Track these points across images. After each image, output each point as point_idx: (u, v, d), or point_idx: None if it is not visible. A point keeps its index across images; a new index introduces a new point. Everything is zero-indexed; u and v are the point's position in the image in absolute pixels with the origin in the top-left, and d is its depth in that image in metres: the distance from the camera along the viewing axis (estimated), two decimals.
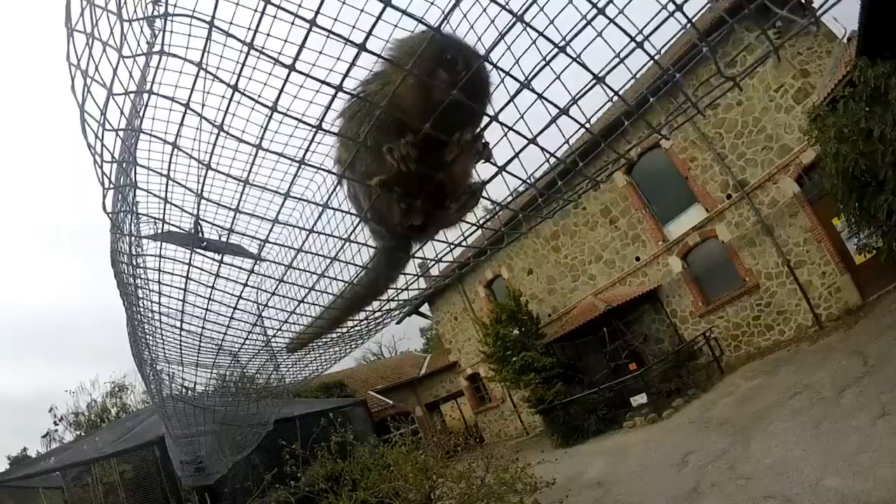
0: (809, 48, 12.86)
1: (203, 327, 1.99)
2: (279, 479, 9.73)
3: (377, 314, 2.11)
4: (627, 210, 17.31)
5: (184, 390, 3.28)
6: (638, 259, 17.37)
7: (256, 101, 1.17)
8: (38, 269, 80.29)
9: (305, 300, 1.75)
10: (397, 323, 24.71)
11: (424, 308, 26.04)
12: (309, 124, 1.19)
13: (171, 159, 1.28)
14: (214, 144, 1.16)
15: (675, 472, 9.32)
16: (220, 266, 1.57)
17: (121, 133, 1.18)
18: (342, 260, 1.63)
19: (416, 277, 1.91)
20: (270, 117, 1.10)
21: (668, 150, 15.67)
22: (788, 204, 13.52)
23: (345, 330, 2.22)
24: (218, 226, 1.58)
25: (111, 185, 1.27)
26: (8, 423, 49.16)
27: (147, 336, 2.35)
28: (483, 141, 1.36)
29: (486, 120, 1.40)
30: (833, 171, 9.37)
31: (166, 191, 1.22)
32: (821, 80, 11.91)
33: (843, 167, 9.00)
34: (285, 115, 1.21)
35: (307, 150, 1.30)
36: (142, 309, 2.19)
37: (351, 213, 1.62)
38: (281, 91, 1.04)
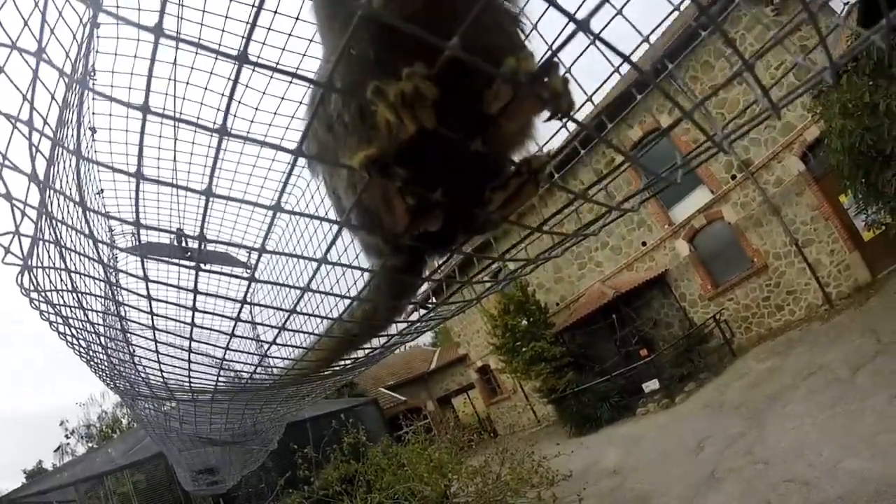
0: (808, 24, 12.65)
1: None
2: (292, 483, 9.73)
3: (376, 352, 1.60)
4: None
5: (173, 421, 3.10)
6: (644, 244, 17.25)
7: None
8: None
9: (276, 342, 1.35)
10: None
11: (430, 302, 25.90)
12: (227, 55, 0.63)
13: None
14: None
15: (692, 457, 9.26)
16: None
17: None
18: (317, 290, 1.23)
19: (435, 306, 1.38)
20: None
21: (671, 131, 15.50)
22: (794, 182, 13.35)
23: (337, 368, 1.68)
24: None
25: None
26: (23, 438, 49.86)
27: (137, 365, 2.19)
28: (559, 76, 0.82)
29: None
30: (838, 147, 9.21)
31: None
32: (821, 56, 11.71)
33: (849, 143, 8.84)
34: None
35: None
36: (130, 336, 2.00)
37: (327, 221, 1.07)
38: None
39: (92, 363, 2.23)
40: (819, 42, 0.80)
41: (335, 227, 1.01)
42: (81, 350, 2.02)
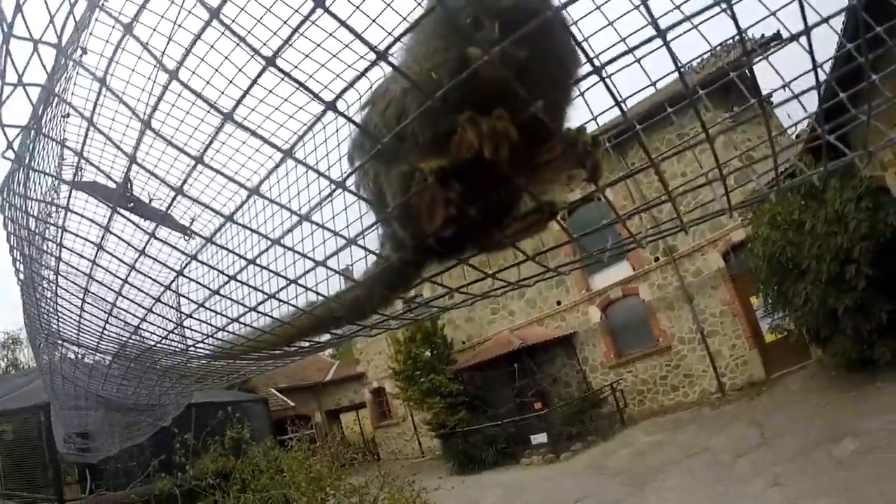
0: (760, 136, 13.59)
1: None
2: (166, 466, 9.17)
3: (344, 338, 1.67)
4: (556, 254, 17.65)
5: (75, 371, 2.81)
6: (559, 303, 17.80)
7: None
8: None
9: (258, 309, 1.35)
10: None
11: None
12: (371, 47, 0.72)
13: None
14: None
15: None
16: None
17: None
18: (330, 267, 1.22)
19: (417, 305, 1.49)
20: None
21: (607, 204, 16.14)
22: (712, 276, 14.33)
23: (293, 349, 1.71)
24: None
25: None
26: None
27: (41, 303, 1.96)
28: (601, 150, 1.01)
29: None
30: (760, 253, 9.97)
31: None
32: (763, 167, 12.66)
33: (771, 251, 9.60)
34: None
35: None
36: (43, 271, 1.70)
37: (376, 208, 1.14)
38: None
39: (25, 293, 2.07)
40: (760, 175, 1.14)
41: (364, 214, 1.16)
42: (20, 276, 1.89)
